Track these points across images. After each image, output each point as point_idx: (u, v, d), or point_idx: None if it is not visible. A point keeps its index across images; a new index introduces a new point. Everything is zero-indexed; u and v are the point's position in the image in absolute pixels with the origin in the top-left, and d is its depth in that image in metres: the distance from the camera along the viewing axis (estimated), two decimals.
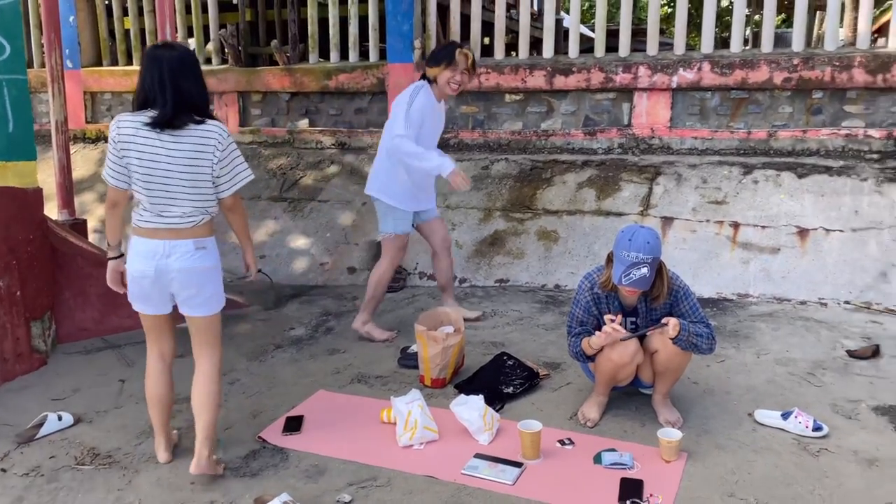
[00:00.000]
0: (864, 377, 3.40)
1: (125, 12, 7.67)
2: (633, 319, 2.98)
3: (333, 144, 6.71)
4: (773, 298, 4.37)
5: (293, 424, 3.11)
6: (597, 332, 2.85)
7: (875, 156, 5.12)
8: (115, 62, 7.78)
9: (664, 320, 2.80)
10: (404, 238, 4.05)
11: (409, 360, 3.73)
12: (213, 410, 2.73)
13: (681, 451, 2.75)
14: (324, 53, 6.93)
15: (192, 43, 7.44)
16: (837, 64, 5.13)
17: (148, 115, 2.51)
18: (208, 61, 7.39)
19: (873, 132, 5.14)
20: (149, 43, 7.46)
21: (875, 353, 3.60)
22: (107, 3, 7.74)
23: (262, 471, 2.79)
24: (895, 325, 3.96)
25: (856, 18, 6.03)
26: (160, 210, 2.58)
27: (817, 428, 2.89)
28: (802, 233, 4.65)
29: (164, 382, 2.81)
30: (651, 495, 2.51)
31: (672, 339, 2.80)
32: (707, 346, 2.85)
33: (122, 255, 2.72)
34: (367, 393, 3.46)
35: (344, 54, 6.79)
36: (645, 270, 2.71)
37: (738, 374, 3.47)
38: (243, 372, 3.77)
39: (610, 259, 2.91)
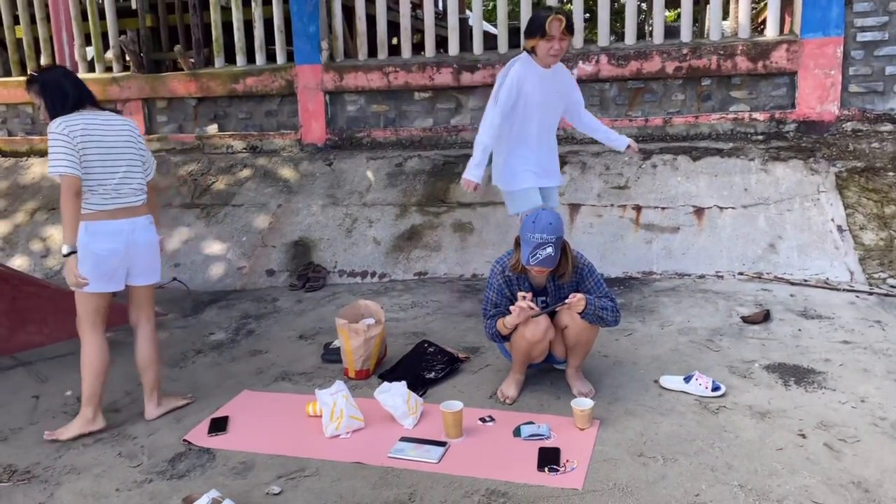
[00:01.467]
0: (757, 340, 3.68)
1: (16, 21, 7.36)
2: (544, 298, 3.14)
3: (245, 148, 6.66)
4: (674, 274, 4.65)
5: (219, 425, 3.13)
6: (511, 309, 2.99)
7: (760, 137, 5.51)
8: (7, 73, 7.45)
9: (570, 296, 2.97)
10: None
11: (331, 356, 3.79)
12: (156, 365, 3.30)
13: (594, 419, 2.92)
14: (230, 57, 6.86)
15: (91, 51, 7.21)
16: (722, 52, 5.49)
17: (88, 110, 3.02)
18: (109, 69, 7.19)
19: (757, 115, 5.53)
20: (44, 52, 7.20)
21: (766, 317, 3.91)
22: None
23: (188, 472, 2.80)
24: (783, 291, 4.29)
25: (737, 11, 6.43)
26: (118, 190, 3.02)
27: (716, 388, 3.13)
28: (699, 212, 4.97)
29: (109, 351, 3.20)
30: (567, 461, 2.67)
31: (580, 313, 2.97)
32: (612, 317, 3.04)
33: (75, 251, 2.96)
34: (292, 390, 3.50)
35: (250, 57, 6.75)
36: (550, 250, 2.88)
37: (645, 345, 3.70)
38: (164, 379, 3.71)
39: (518, 243, 3.06)
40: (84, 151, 2.93)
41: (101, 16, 7.03)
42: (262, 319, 4.57)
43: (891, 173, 4.96)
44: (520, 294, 2.99)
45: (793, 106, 5.47)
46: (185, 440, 3.03)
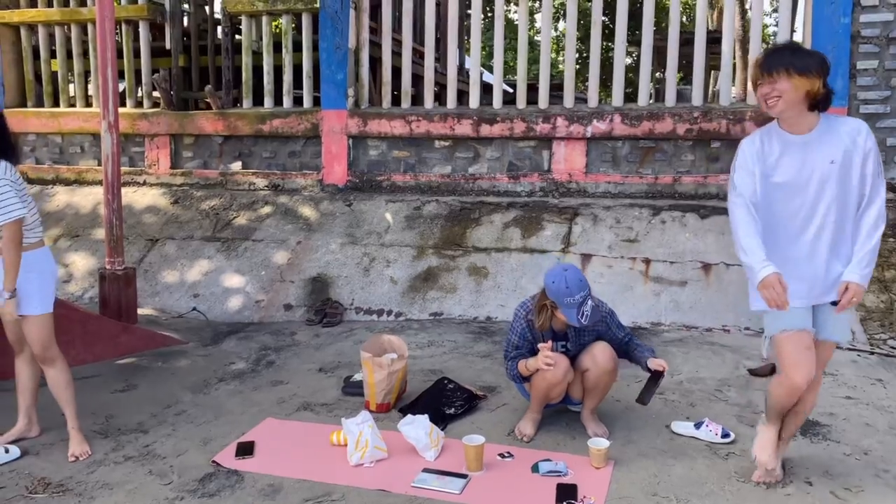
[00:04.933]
0: (762, 391, 3.80)
1: (53, 55, 7.66)
2: (564, 343, 3.30)
3: (267, 186, 6.87)
4: (682, 326, 4.81)
5: (245, 449, 3.23)
6: (535, 358, 3.14)
7: None
8: (40, 104, 7.71)
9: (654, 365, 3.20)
10: (785, 336, 2.65)
11: (353, 388, 3.91)
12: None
13: (609, 459, 3.05)
14: (257, 99, 7.13)
15: (123, 85, 7.49)
16: (731, 117, 5.76)
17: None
18: (139, 104, 7.46)
19: None
20: (77, 85, 7.47)
21: (772, 371, 4.05)
22: (34, 45, 7.69)
23: (219, 491, 2.91)
24: None
25: (745, 78, 6.74)
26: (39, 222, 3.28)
27: (725, 435, 3.26)
28: (706, 267, 5.15)
29: None
30: (584, 497, 2.79)
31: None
32: (649, 351, 3.31)
33: None
34: (314, 419, 3.61)
35: (277, 100, 7.02)
36: (590, 303, 3.06)
37: (657, 393, 3.82)
38: (189, 404, 3.85)
39: (544, 305, 3.18)
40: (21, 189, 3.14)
41: (136, 54, 7.33)
42: (282, 351, 4.70)
43: (891, 239, 5.17)
44: (540, 346, 3.14)
45: None
46: (214, 461, 3.14)
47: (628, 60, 16.25)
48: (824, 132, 2.60)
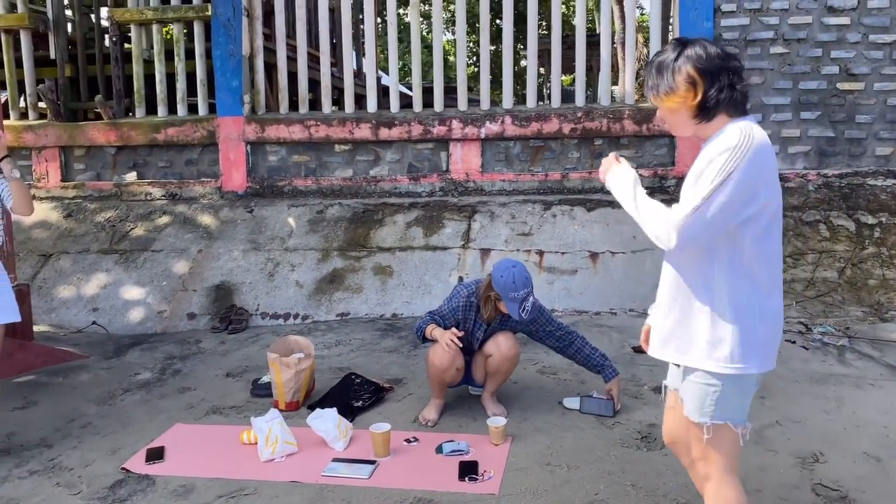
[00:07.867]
0: (646, 366, 4.17)
1: None
2: (486, 328, 3.52)
3: (164, 196, 6.79)
4: (574, 311, 5.15)
5: (155, 454, 3.28)
6: (444, 330, 3.38)
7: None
8: None
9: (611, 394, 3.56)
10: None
11: (261, 390, 4.00)
12: None
13: (507, 436, 3.29)
14: (151, 108, 7.02)
15: (4, 96, 7.20)
16: (611, 116, 6.18)
17: None
18: (24, 116, 7.20)
19: (643, 171, 6.21)
20: None
21: None
22: None
23: (130, 496, 2.95)
24: None
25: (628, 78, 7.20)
26: None
27: None
28: (594, 256, 5.53)
29: None
30: (485, 471, 3.01)
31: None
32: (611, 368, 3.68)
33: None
34: (224, 422, 3.68)
35: (172, 109, 6.94)
36: (532, 299, 3.31)
37: (550, 373, 4.12)
38: (93, 416, 3.83)
39: (488, 296, 3.39)
40: None
41: (18, 64, 7.07)
42: (188, 360, 4.71)
43: None
44: (453, 330, 3.35)
45: (673, 164, 6.19)
46: (123, 468, 3.17)
47: (522, 62, 16.77)
48: (707, 146, 1.94)
